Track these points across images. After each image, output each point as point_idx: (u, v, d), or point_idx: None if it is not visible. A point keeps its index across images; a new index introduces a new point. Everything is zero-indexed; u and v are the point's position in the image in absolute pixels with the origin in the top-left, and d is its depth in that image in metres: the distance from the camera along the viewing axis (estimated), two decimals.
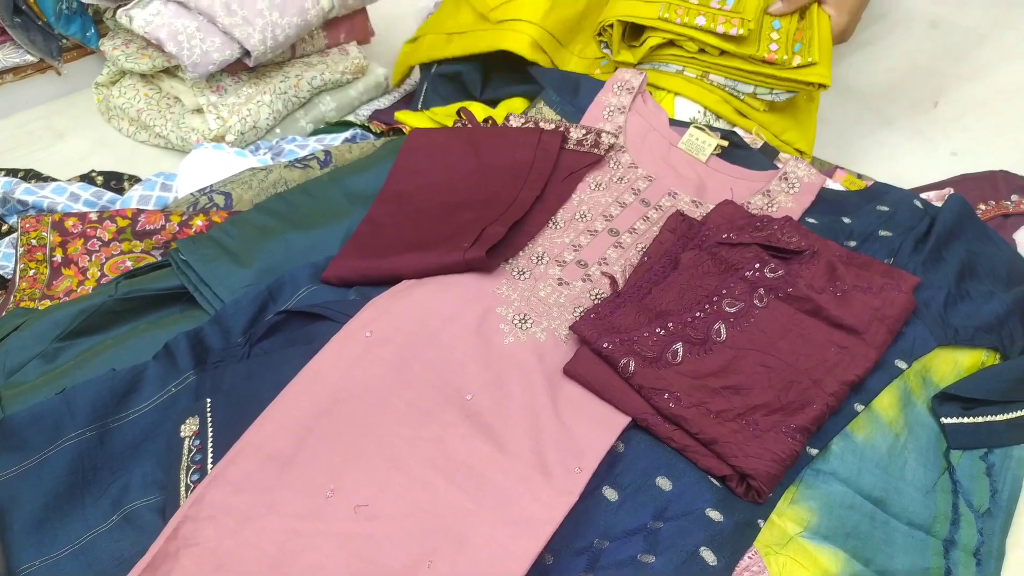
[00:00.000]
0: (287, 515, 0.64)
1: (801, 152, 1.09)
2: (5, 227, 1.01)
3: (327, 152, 1.02)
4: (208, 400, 0.71)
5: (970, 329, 0.82)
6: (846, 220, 0.91)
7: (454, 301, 0.79)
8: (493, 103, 1.13)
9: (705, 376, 0.73)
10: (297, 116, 1.24)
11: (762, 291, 0.79)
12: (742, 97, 1.05)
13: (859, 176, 1.08)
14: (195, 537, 0.63)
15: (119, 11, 1.12)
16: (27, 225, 0.91)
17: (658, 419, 0.72)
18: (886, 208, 0.92)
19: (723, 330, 0.77)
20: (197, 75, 1.11)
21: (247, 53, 1.13)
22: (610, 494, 0.69)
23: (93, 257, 0.90)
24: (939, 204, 0.92)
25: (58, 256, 0.90)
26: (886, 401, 0.77)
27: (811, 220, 0.92)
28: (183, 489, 0.67)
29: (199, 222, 0.91)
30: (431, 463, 0.68)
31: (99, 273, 0.89)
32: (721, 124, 1.06)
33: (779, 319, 0.78)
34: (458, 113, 1.01)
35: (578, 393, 0.74)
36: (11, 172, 1.11)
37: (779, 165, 0.98)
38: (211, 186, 0.98)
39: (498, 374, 0.74)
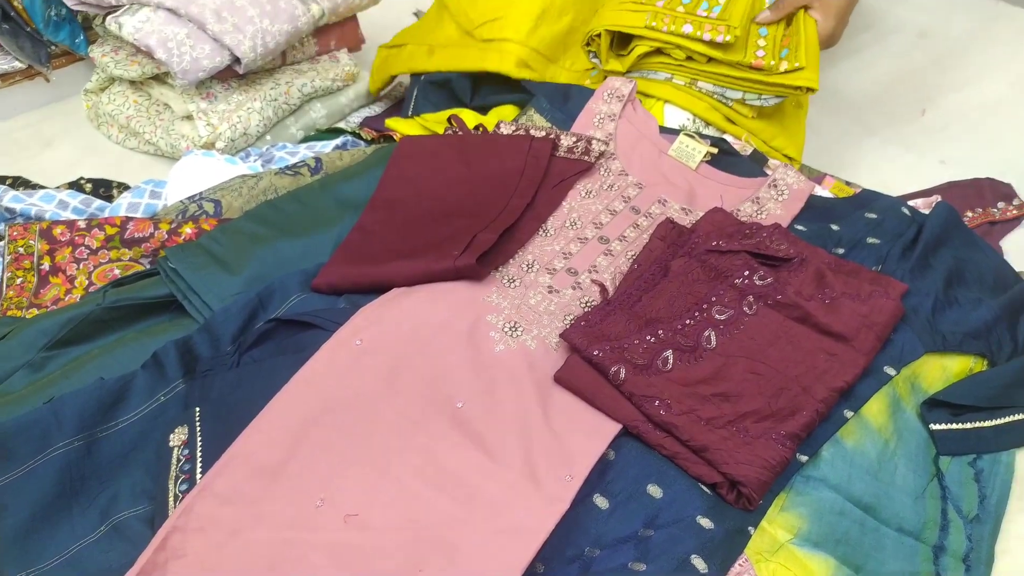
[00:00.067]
0: (277, 525, 0.64)
1: (790, 158, 1.10)
2: None
3: (318, 159, 1.02)
4: (197, 409, 0.71)
5: (958, 335, 0.82)
6: (835, 227, 0.92)
7: (444, 309, 0.79)
8: (484, 110, 1.13)
9: (695, 383, 0.74)
10: (287, 123, 1.24)
11: (751, 298, 0.79)
12: (731, 104, 1.06)
13: (848, 183, 1.08)
14: (183, 548, 0.63)
15: (108, 18, 1.12)
16: (14, 233, 0.91)
17: (649, 426, 0.72)
18: (874, 215, 0.93)
19: (713, 337, 0.77)
20: (187, 82, 1.10)
21: (237, 60, 1.12)
22: (601, 502, 0.69)
23: (81, 265, 0.90)
24: (927, 211, 0.93)
25: (46, 264, 0.90)
26: (875, 407, 0.78)
27: (800, 227, 0.92)
28: (172, 499, 0.66)
29: (188, 230, 0.91)
30: (422, 472, 0.68)
31: (87, 281, 0.89)
32: (711, 131, 1.06)
33: (768, 326, 0.78)
34: (449, 120, 1.01)
35: (569, 401, 0.74)
36: None
37: (768, 172, 0.98)
38: (201, 193, 0.98)
39: (488, 382, 0.74)
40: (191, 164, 1.05)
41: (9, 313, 0.86)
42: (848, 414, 0.76)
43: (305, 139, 1.24)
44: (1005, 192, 1.11)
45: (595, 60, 1.09)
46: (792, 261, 0.82)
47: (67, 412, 0.70)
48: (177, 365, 0.74)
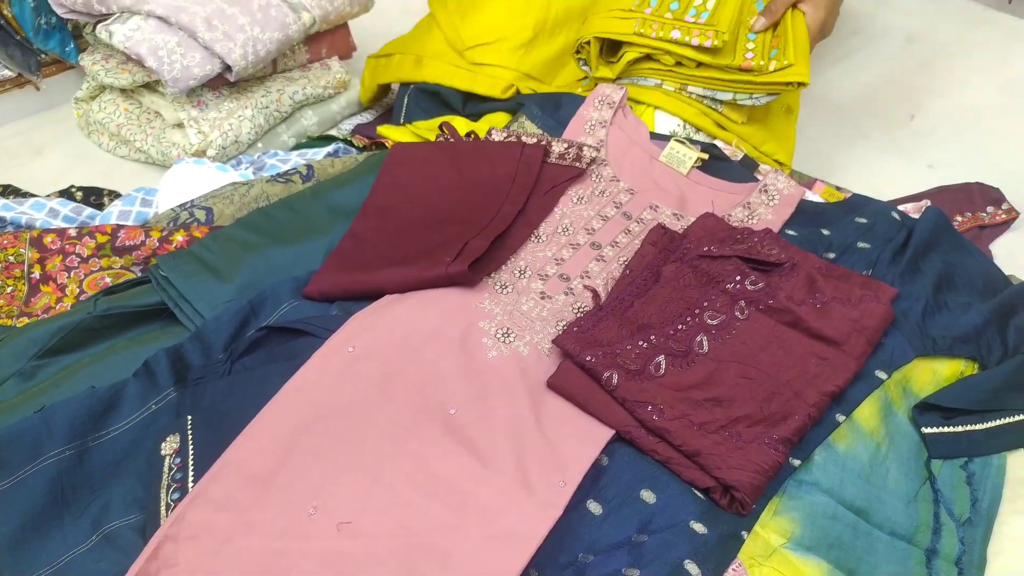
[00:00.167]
0: (269, 534, 0.64)
1: (781, 163, 1.10)
2: None
3: (309, 166, 1.02)
4: (189, 417, 0.71)
5: (948, 339, 0.83)
6: (825, 232, 0.92)
7: (437, 316, 0.79)
8: (475, 117, 1.13)
9: (688, 388, 0.74)
10: (279, 130, 1.24)
11: (743, 303, 0.80)
12: (720, 109, 1.06)
13: (838, 188, 1.09)
14: (175, 557, 0.62)
15: (99, 26, 1.12)
16: (5, 242, 0.91)
17: (641, 431, 0.72)
18: (864, 220, 0.93)
19: (705, 342, 0.77)
20: (178, 90, 1.10)
21: (228, 68, 1.12)
22: (594, 507, 0.69)
23: (72, 274, 0.89)
24: (916, 216, 0.93)
25: (36, 273, 0.89)
26: (867, 411, 0.78)
27: (791, 232, 0.92)
28: (164, 508, 0.66)
29: (180, 237, 0.91)
30: (414, 479, 0.68)
31: (78, 290, 0.89)
32: (701, 137, 1.07)
33: (760, 331, 0.78)
34: (440, 127, 1.01)
35: (561, 406, 0.74)
36: None
37: (759, 177, 0.99)
38: (192, 201, 0.97)
39: (481, 388, 0.74)
40: (182, 172, 1.04)
41: (0, 322, 0.86)
42: (840, 418, 0.76)
43: (297, 146, 1.23)
44: (994, 196, 1.12)
45: (585, 67, 1.10)
46: (783, 266, 0.82)
47: (58, 421, 0.69)
48: (168, 373, 0.74)
